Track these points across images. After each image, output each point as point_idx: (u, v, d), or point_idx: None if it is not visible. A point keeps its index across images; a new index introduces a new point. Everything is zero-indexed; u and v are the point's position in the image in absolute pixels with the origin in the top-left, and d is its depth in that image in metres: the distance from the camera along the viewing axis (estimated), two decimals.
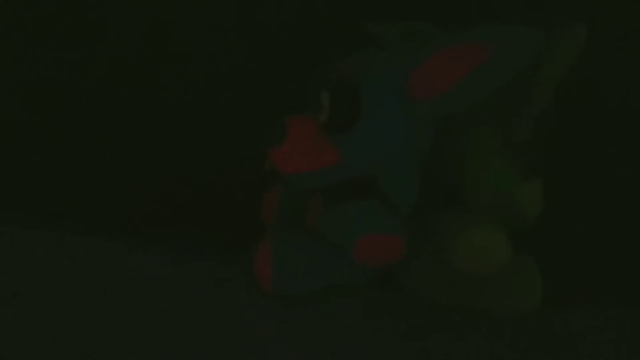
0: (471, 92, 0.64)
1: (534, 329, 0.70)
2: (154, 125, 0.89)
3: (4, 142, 0.90)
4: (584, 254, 0.78)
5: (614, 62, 0.82)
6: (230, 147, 0.86)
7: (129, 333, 0.66)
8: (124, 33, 0.88)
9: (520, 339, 0.69)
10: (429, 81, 0.65)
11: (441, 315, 0.71)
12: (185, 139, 0.88)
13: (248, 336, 0.67)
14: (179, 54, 0.88)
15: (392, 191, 0.69)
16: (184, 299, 0.72)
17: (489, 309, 0.71)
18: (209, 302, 0.71)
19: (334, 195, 0.71)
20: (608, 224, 0.81)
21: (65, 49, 0.88)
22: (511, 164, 0.71)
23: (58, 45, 0.88)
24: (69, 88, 0.89)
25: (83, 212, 0.86)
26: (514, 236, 0.70)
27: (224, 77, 0.87)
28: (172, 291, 0.73)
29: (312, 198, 0.75)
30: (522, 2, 0.79)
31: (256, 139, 0.70)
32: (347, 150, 0.68)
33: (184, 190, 0.87)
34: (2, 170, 0.90)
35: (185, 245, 0.80)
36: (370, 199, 0.69)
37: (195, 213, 0.85)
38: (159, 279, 0.75)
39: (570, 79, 0.68)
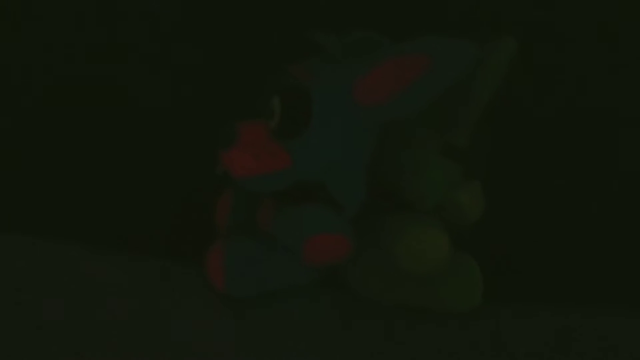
0: (413, 100, 0.68)
1: (473, 326, 0.72)
2: (110, 130, 0.90)
3: None
4: (524, 253, 0.82)
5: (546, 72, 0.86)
6: (185, 150, 0.87)
7: (81, 334, 0.67)
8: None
9: (460, 336, 0.71)
10: (373, 90, 0.69)
11: (387, 313, 0.73)
12: (140, 143, 0.89)
13: (201, 337, 0.69)
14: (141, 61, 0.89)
15: (339, 194, 0.72)
16: (137, 300, 0.73)
17: (431, 307, 0.73)
18: (163, 304, 0.72)
19: (284, 199, 0.73)
20: (545, 224, 0.85)
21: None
22: (452, 168, 0.74)
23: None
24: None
25: (35, 216, 0.87)
26: (455, 236, 0.72)
27: (181, 82, 0.89)
28: (125, 293, 0.74)
29: (264, 201, 0.77)
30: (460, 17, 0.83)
31: (209, 143, 0.72)
32: (297, 155, 0.70)
33: (139, 194, 0.88)
34: None
35: (140, 247, 0.81)
36: (318, 202, 0.72)
37: (149, 216, 0.86)
38: (111, 282, 0.76)
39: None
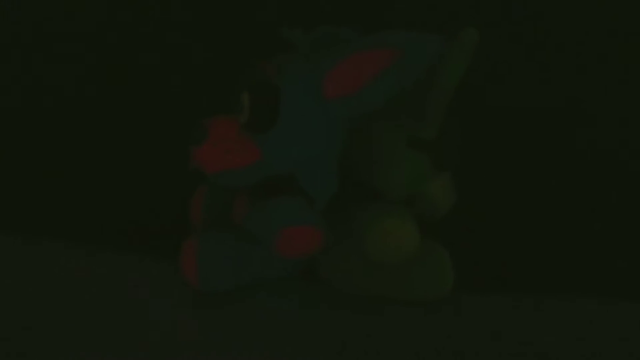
0: (379, 93, 0.69)
1: (445, 315, 0.73)
2: (86, 127, 0.91)
3: None
4: (495, 243, 0.83)
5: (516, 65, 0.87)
6: (159, 147, 0.88)
7: (58, 331, 0.67)
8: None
9: (434, 325, 0.72)
10: (340, 83, 0.70)
11: (362, 304, 0.74)
12: (116, 140, 0.90)
13: (174, 334, 0.69)
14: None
15: (309, 187, 0.73)
16: (113, 297, 0.73)
17: (404, 296, 0.74)
18: (138, 301, 0.73)
19: (257, 193, 0.74)
20: (518, 215, 0.86)
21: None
22: (421, 160, 0.74)
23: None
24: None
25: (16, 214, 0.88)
26: (426, 226, 0.74)
27: (154, 82, 0.90)
28: (101, 289, 0.74)
29: (238, 196, 0.78)
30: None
31: (181, 139, 0.72)
32: (267, 150, 0.71)
33: (116, 191, 0.89)
34: None
35: (116, 244, 0.81)
36: (289, 195, 0.73)
37: (125, 212, 0.87)
38: (87, 278, 0.76)
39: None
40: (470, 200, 0.79)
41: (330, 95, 0.70)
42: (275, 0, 0.86)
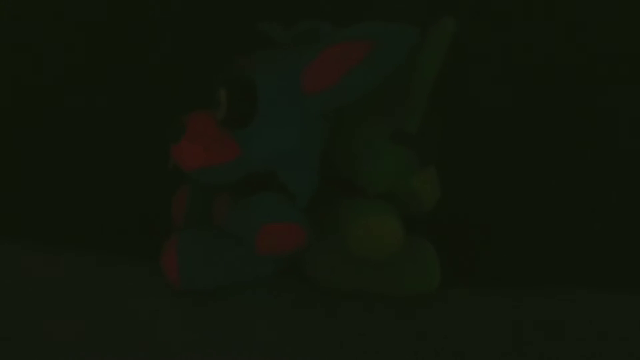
0: (357, 85, 0.69)
1: (444, 314, 0.73)
2: (68, 127, 0.91)
3: None
4: (483, 238, 0.83)
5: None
6: (142, 148, 0.88)
7: (58, 332, 0.68)
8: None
9: (421, 318, 0.72)
10: (318, 77, 0.70)
11: (355, 302, 0.74)
12: (102, 141, 0.90)
13: (173, 334, 0.69)
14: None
15: (290, 184, 0.73)
16: (112, 298, 0.73)
17: (391, 292, 0.74)
18: (137, 301, 0.73)
19: (238, 191, 0.74)
20: (515, 214, 0.86)
21: None
22: (403, 155, 0.74)
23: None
24: None
25: None
26: (412, 221, 0.74)
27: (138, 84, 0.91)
28: (100, 290, 0.75)
29: (220, 196, 0.77)
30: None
31: (162, 139, 0.72)
32: (246, 146, 0.71)
33: (97, 191, 0.89)
34: None
35: (97, 246, 0.82)
36: (269, 192, 0.73)
37: (105, 214, 0.87)
38: (87, 279, 0.77)
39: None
40: (468, 201, 0.80)
41: (309, 89, 0.70)
42: None
